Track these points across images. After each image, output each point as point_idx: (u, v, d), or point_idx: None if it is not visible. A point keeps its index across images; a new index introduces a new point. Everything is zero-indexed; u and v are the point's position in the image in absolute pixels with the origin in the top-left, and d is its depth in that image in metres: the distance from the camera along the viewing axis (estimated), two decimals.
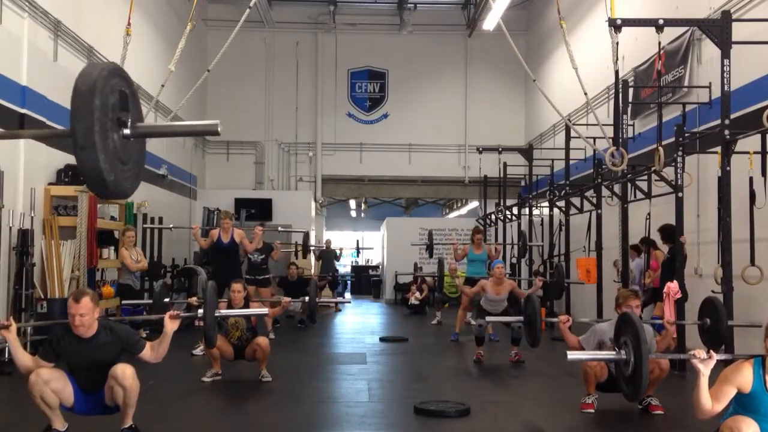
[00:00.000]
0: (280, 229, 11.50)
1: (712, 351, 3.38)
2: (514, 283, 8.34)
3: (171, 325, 4.25)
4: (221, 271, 8.27)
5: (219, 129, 2.23)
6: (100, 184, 2.02)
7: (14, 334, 4.07)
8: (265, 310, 5.59)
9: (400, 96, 17.65)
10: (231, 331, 6.46)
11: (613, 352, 3.90)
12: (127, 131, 2.14)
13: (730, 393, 3.27)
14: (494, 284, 7.93)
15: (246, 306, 6.56)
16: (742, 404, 3.29)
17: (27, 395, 4.03)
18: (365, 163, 17.44)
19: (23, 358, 4.10)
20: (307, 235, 13.38)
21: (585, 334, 5.43)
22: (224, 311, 4.96)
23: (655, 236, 8.37)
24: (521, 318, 6.57)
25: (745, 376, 3.26)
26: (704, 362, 3.33)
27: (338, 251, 15.61)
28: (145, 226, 10.47)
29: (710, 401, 3.25)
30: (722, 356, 3.57)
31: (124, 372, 4.05)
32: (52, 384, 4.00)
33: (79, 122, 1.96)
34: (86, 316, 4.03)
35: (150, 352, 4.25)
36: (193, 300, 7.34)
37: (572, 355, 3.80)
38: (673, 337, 7.36)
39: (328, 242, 15.57)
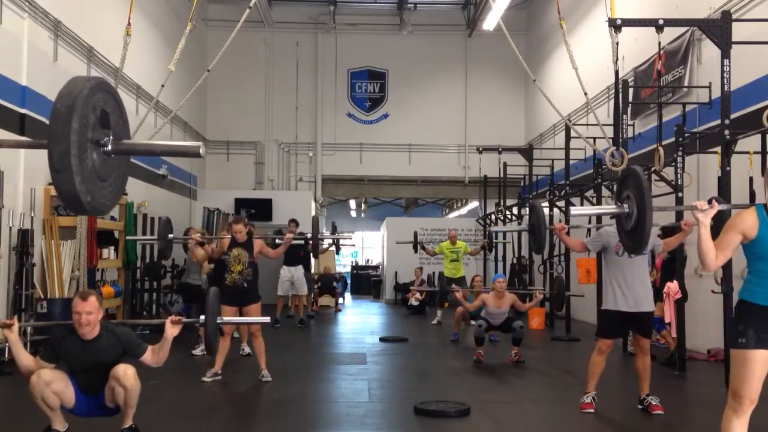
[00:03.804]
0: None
1: (714, 201, 3.35)
2: (515, 296, 8.20)
3: (172, 330, 4.18)
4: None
5: (201, 152, 2.21)
6: (76, 205, 2.00)
7: (16, 334, 4.04)
8: (266, 319, 5.57)
9: (400, 96, 17.65)
10: (233, 264, 6.41)
11: (614, 207, 3.81)
12: (108, 148, 2.10)
13: (735, 241, 3.28)
14: (495, 297, 7.81)
15: (249, 241, 6.50)
16: (752, 253, 3.29)
17: (27, 395, 4.02)
18: (365, 163, 17.44)
19: (25, 358, 4.08)
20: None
21: (591, 236, 5.46)
22: (226, 318, 4.91)
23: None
24: (526, 227, 6.39)
25: (747, 222, 3.25)
26: (705, 212, 3.31)
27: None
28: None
29: (713, 251, 3.26)
30: (724, 206, 3.53)
31: (126, 372, 4.03)
32: (53, 385, 3.99)
33: (56, 145, 1.91)
34: (93, 314, 4.02)
35: (151, 355, 4.22)
36: (197, 236, 7.76)
37: (575, 210, 3.73)
38: (673, 337, 7.37)
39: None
